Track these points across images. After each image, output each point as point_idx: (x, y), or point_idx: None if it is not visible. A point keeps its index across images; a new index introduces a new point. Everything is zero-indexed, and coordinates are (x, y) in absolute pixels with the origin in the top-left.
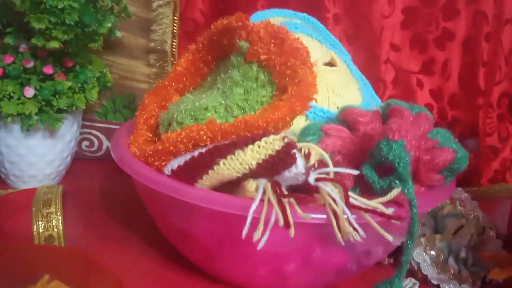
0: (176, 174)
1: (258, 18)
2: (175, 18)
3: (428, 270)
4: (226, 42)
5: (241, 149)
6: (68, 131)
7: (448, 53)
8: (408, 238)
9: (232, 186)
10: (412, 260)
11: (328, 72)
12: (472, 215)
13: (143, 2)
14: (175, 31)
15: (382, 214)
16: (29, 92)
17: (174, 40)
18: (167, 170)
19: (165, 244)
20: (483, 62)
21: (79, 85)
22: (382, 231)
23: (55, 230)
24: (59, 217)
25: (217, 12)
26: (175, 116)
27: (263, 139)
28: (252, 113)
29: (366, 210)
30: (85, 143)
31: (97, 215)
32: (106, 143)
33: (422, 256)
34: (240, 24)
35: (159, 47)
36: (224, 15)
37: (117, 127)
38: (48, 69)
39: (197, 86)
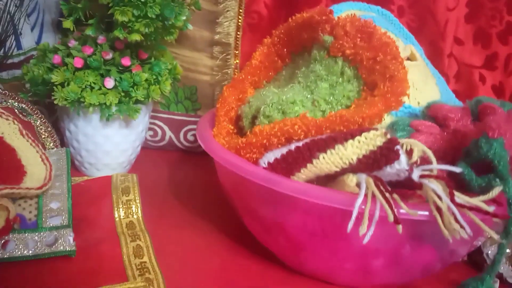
0: (273, 167)
1: (335, 10)
2: (241, 11)
3: (504, 268)
4: (306, 36)
5: (341, 143)
6: (141, 121)
7: (511, 48)
8: (503, 237)
9: (326, 180)
10: (486, 258)
11: (409, 67)
12: None
13: None
14: (239, 23)
15: (485, 212)
16: (110, 83)
17: (238, 33)
18: (263, 162)
19: (242, 233)
20: None
21: (154, 77)
22: (488, 229)
23: (135, 216)
24: (138, 204)
25: (281, 5)
26: (262, 109)
27: (364, 134)
28: (339, 107)
29: (470, 208)
30: (149, 133)
31: (170, 203)
32: (169, 133)
33: None
34: (324, 18)
35: (223, 40)
36: (288, 8)
37: (180, 118)
38: (126, 61)
39: (270, 79)
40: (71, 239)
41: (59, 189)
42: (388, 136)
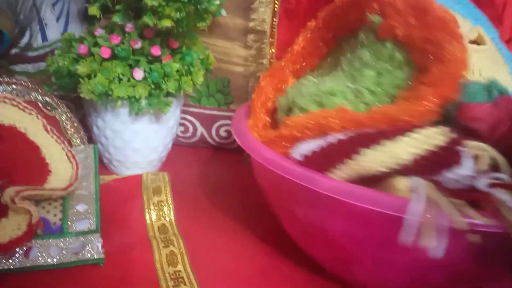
0: (309, 160)
1: None
2: None
3: None
4: (353, 17)
5: (389, 140)
6: (172, 115)
7: None
8: None
9: (370, 183)
10: None
11: (475, 52)
12: None
13: None
14: (276, 9)
15: None
16: (139, 74)
17: (274, 19)
18: (297, 154)
19: (283, 238)
20: None
21: (186, 67)
22: None
23: (168, 219)
24: (171, 206)
25: None
26: (296, 100)
27: (422, 131)
28: (387, 99)
29: None
30: (180, 128)
31: (204, 204)
32: (200, 128)
33: None
34: None
35: (258, 27)
36: None
37: (211, 112)
38: (156, 51)
39: (314, 67)
40: (99, 245)
41: (86, 190)
42: (451, 135)
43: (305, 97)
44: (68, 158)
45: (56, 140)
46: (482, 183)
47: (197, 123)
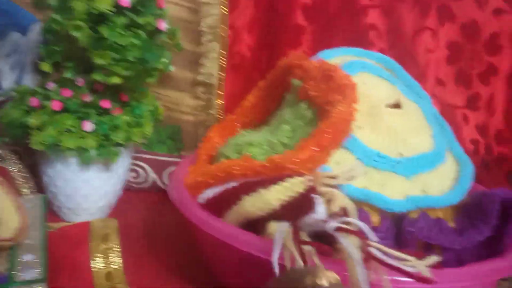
0: (209, 204)
1: (326, 56)
2: (223, 52)
3: None
4: (288, 80)
5: (265, 187)
6: (122, 164)
7: (492, 88)
8: None
9: (258, 226)
10: None
11: (391, 115)
12: None
13: (192, 37)
14: (222, 64)
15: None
16: (89, 126)
17: (221, 73)
18: (201, 198)
19: None
20: None
21: (135, 119)
22: None
23: (114, 266)
24: (118, 253)
25: (263, 47)
26: (221, 150)
27: (288, 179)
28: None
29: (391, 268)
30: (132, 174)
31: (152, 251)
32: (151, 174)
33: None
34: (296, 62)
35: (206, 80)
36: (270, 50)
37: (162, 158)
38: (106, 104)
39: (263, 121)
40: None
41: (34, 239)
42: (308, 183)
43: (229, 147)
44: (17, 209)
45: (5, 192)
46: (330, 227)
47: (149, 169)
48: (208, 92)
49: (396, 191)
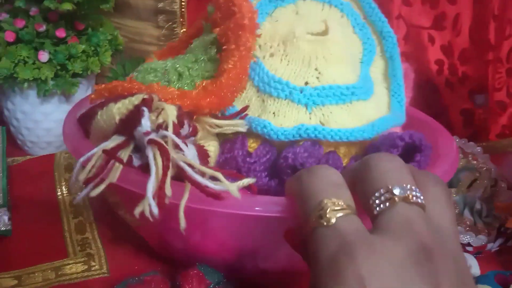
0: (80, 119)
1: None
2: None
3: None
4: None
5: (114, 102)
6: (83, 95)
7: (459, 7)
8: None
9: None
10: None
11: (310, 43)
12: (485, 168)
13: None
14: None
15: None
16: (44, 56)
17: (183, 0)
18: (79, 113)
19: None
20: (493, 16)
21: (92, 48)
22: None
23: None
24: None
25: None
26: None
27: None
28: (188, 82)
29: (195, 183)
30: None
31: None
32: None
33: None
34: None
35: (167, 8)
36: None
37: None
38: (61, 33)
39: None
40: (6, 218)
41: None
42: (145, 97)
43: (137, 72)
44: None
45: None
46: (145, 139)
47: None
48: (170, 20)
49: (288, 120)
